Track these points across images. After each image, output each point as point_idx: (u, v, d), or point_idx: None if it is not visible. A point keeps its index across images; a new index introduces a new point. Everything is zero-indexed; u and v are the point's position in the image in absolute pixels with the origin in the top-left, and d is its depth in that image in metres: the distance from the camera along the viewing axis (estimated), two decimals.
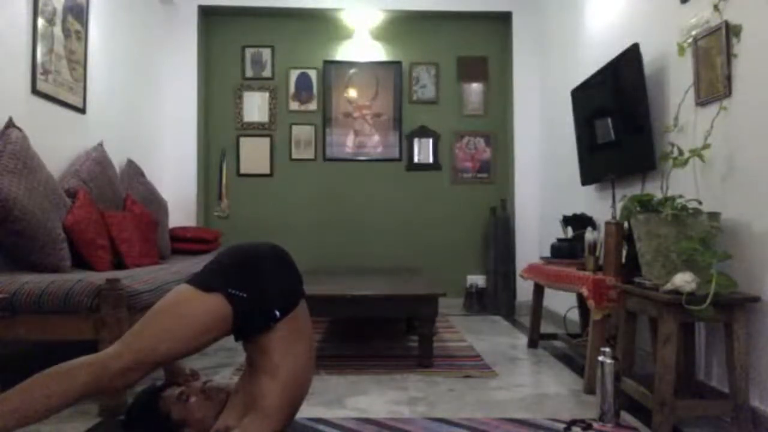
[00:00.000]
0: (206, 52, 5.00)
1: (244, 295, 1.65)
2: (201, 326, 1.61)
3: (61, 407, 1.49)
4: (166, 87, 4.75)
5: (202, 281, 1.68)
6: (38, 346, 2.65)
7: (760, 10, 2.01)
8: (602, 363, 2.12)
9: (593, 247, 2.83)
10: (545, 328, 3.64)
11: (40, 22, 2.93)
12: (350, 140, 5.05)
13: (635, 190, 2.85)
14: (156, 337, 1.57)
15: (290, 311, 1.73)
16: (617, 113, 3.05)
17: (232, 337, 1.74)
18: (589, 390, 2.46)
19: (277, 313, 1.69)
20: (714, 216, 2.04)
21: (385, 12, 4.94)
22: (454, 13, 4.96)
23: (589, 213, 3.45)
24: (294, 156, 5.01)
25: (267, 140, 4.99)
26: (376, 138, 5.06)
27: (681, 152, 2.18)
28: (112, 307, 2.13)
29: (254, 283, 1.69)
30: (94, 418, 2.12)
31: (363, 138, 5.06)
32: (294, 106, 5.02)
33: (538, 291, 3.46)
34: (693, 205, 2.04)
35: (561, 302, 3.76)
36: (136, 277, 2.44)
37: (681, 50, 2.38)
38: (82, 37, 3.38)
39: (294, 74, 5.02)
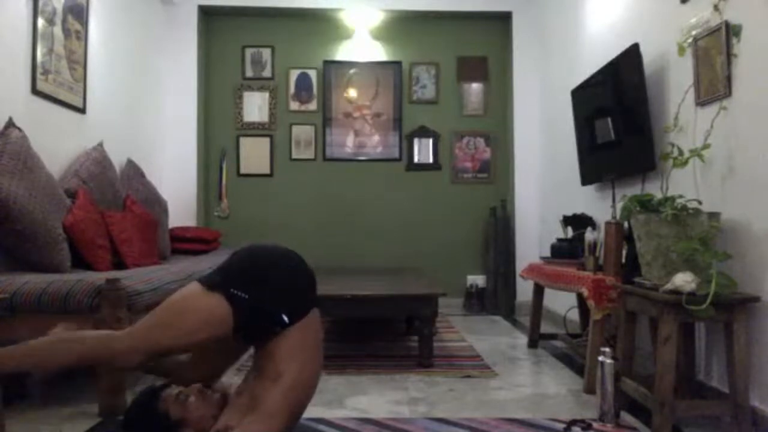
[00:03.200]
0: (206, 52, 5.00)
1: (246, 297, 1.66)
2: (198, 322, 1.66)
3: (64, 365, 1.78)
4: (166, 87, 4.75)
5: (207, 279, 1.74)
6: None
7: (760, 10, 2.01)
8: (602, 363, 2.12)
9: (593, 247, 2.83)
10: (545, 328, 3.64)
11: (40, 22, 2.93)
12: (350, 140, 5.05)
13: (635, 190, 2.85)
14: (156, 327, 1.67)
15: (300, 317, 1.73)
16: (617, 113, 3.05)
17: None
18: (589, 390, 2.46)
19: (285, 318, 1.69)
20: (714, 216, 2.04)
21: (385, 12, 4.94)
22: (454, 13, 4.96)
23: (589, 213, 3.45)
24: (294, 156, 5.01)
25: (267, 140, 4.99)
26: (376, 138, 5.06)
27: (681, 152, 2.18)
28: (112, 307, 2.13)
29: (259, 286, 1.70)
30: (94, 418, 2.12)
31: (363, 138, 5.06)
32: (294, 106, 5.02)
33: (538, 291, 3.46)
34: (693, 205, 2.04)
35: (561, 302, 3.76)
36: (136, 277, 2.44)
37: (681, 50, 2.38)
38: (82, 37, 3.38)
39: (294, 74, 5.02)
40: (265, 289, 1.70)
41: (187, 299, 1.69)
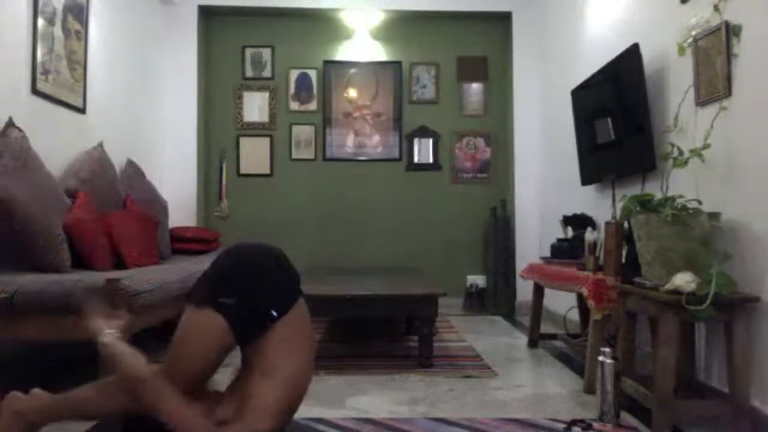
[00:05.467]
0: (206, 52, 4.99)
1: (233, 302, 1.66)
2: (205, 346, 1.67)
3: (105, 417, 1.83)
4: (166, 87, 4.75)
5: (194, 296, 1.73)
6: (38, 346, 2.65)
7: (760, 10, 2.01)
8: (602, 363, 2.12)
9: (593, 247, 2.83)
10: (545, 328, 3.64)
11: (40, 22, 2.93)
12: (350, 140, 5.05)
13: (635, 190, 2.85)
14: (177, 360, 1.68)
15: (287, 310, 1.73)
16: (617, 113, 3.05)
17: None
18: (589, 390, 2.46)
19: (275, 313, 1.69)
20: (714, 216, 2.04)
21: (385, 12, 4.94)
22: (454, 13, 4.96)
23: (589, 213, 3.45)
24: (294, 156, 5.01)
25: (267, 140, 4.99)
26: (376, 138, 5.06)
27: (681, 152, 2.18)
28: (112, 308, 2.13)
29: (242, 288, 1.70)
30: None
31: (363, 138, 5.06)
32: (294, 106, 5.02)
33: (538, 291, 3.46)
34: (693, 205, 2.04)
35: (561, 302, 3.76)
36: (136, 277, 2.44)
37: (681, 50, 2.38)
38: (82, 37, 3.38)
39: (294, 74, 5.02)
40: (250, 289, 1.70)
41: (188, 326, 1.70)
